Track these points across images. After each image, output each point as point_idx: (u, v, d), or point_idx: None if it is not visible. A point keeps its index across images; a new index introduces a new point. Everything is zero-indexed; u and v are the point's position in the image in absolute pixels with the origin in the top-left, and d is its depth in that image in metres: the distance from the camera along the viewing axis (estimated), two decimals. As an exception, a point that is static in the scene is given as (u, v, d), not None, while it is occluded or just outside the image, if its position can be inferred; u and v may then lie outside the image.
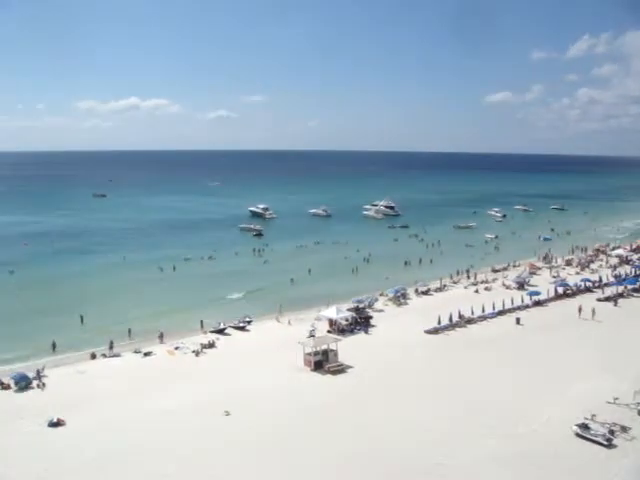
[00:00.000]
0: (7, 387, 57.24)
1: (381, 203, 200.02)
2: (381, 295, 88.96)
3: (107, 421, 48.68)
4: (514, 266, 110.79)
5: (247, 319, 77.46)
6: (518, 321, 75.13)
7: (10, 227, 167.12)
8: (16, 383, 57.22)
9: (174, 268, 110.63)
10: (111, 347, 68.04)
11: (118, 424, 47.98)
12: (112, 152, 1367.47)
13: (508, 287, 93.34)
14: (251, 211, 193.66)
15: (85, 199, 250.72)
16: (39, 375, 58.97)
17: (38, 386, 57.48)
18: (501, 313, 79.12)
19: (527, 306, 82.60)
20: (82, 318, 79.60)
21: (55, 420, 48.44)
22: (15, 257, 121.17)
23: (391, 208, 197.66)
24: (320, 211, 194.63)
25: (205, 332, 74.07)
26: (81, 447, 44.29)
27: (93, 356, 66.34)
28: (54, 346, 69.16)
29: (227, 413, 48.91)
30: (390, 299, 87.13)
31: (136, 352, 67.23)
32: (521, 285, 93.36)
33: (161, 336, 71.27)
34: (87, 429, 47.57)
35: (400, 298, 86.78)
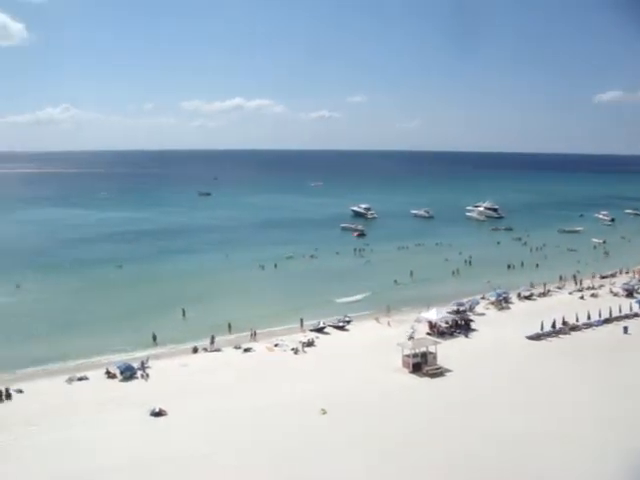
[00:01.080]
0: (113, 376, 59.33)
1: (484, 205, 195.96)
2: (482, 298, 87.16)
3: (206, 414, 49.69)
4: (624, 272, 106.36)
5: (347, 319, 77.37)
6: (626, 330, 71.74)
7: (119, 223, 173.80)
8: (121, 373, 59.26)
9: (275, 266, 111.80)
10: (212, 342, 69.39)
11: (216, 417, 48.97)
12: (217, 151, 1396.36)
13: (616, 294, 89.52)
14: (353, 211, 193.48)
15: (190, 197, 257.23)
16: (143, 366, 60.84)
17: (142, 377, 59.32)
18: (607, 321, 75.75)
19: (636, 315, 78.90)
20: (184, 312, 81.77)
21: (157, 410, 49.81)
22: (123, 253, 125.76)
23: (494, 210, 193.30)
24: (422, 212, 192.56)
25: (304, 330, 74.51)
26: (180, 437, 45.46)
27: (195, 350, 67.82)
28: (154, 338, 71.62)
29: (324, 412, 48.91)
30: (492, 303, 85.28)
31: (236, 348, 68.32)
32: (630, 293, 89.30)
33: (254, 334, 72.16)
34: (187, 420, 48.77)
35: (502, 302, 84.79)
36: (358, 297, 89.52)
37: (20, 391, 56.02)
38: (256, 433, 45.73)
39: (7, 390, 55.31)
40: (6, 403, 54.27)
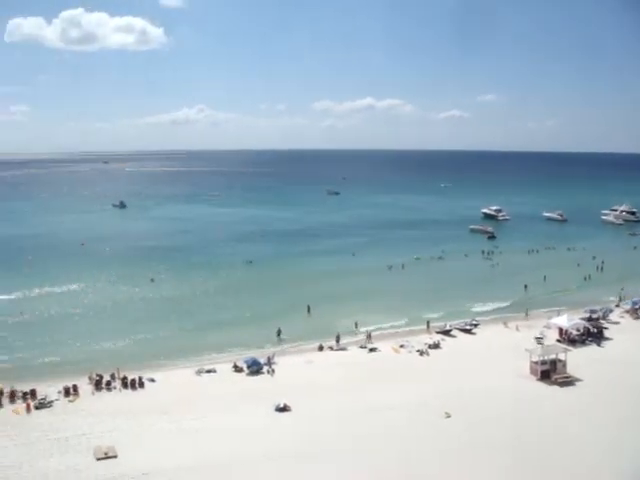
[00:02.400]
0: (240, 370, 61.07)
1: (621, 208, 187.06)
2: (617, 306, 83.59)
3: (330, 411, 50.25)
4: None
5: (474, 322, 76.22)
6: None
7: (248, 221, 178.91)
8: (248, 367, 60.91)
9: (403, 267, 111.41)
10: (338, 340, 70.00)
11: (340, 415, 49.38)
12: (346, 151, 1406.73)
13: None
14: (483, 213, 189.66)
15: (319, 196, 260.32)
16: (270, 362, 62.17)
17: (268, 372, 60.67)
18: None
19: None
20: (309, 309, 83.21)
21: (282, 405, 50.84)
22: (252, 249, 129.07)
23: (632, 214, 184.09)
24: (555, 215, 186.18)
25: (431, 332, 74.00)
26: (303, 434, 46.25)
27: (320, 348, 68.69)
28: (279, 333, 73.41)
29: (447, 415, 48.41)
30: (627, 311, 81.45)
31: (362, 347, 68.68)
32: None
33: (369, 336, 71.82)
34: (311, 417, 49.52)
35: (638, 311, 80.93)
36: (493, 306, 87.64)
37: (152, 380, 58.67)
38: (379, 433, 45.83)
39: (140, 379, 58.01)
40: (139, 391, 56.98)
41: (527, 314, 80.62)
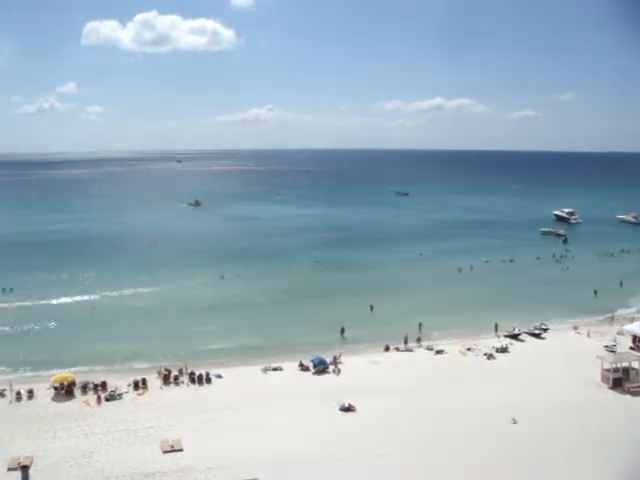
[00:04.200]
0: (306, 369, 61.35)
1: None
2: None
3: (395, 412, 50.06)
4: None
5: (543, 326, 74.79)
6: None
7: (317, 219, 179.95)
8: (314, 366, 61.17)
9: (471, 268, 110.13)
10: (406, 341, 69.60)
11: (404, 417, 49.19)
12: (417, 151, 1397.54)
13: None
14: (555, 215, 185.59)
15: (388, 197, 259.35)
16: (336, 361, 62.27)
17: (334, 371, 60.82)
18: None
19: None
20: (372, 307, 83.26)
21: (347, 405, 50.87)
22: (319, 247, 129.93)
23: None
24: (630, 217, 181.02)
25: (499, 336, 72.98)
26: (367, 435, 46.07)
27: (387, 348, 68.49)
28: (342, 331, 73.67)
29: (514, 421, 47.59)
30: None
31: (428, 349, 68.22)
32: None
33: (418, 340, 71.23)
34: (375, 418, 49.33)
35: None
36: (563, 311, 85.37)
37: (219, 376, 59.49)
38: (443, 437, 45.41)
39: (207, 375, 58.85)
40: (206, 387, 57.83)
41: (602, 320, 78.67)
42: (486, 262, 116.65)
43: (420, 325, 74.87)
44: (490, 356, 65.42)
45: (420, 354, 67.36)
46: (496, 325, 74.92)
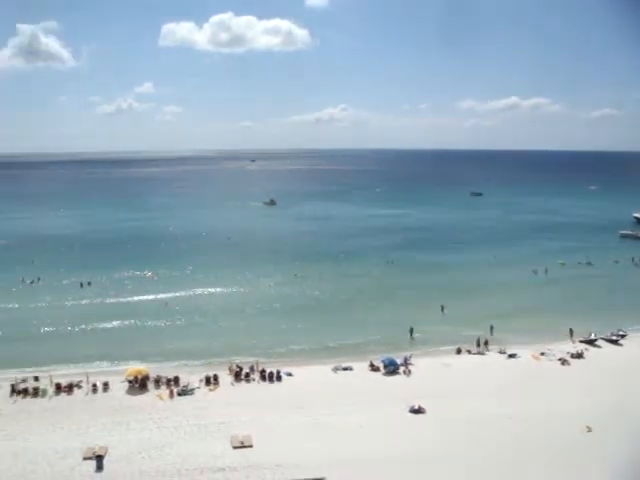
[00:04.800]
0: (376, 369, 61.11)
1: None
2: None
3: (465, 416, 49.39)
4: None
5: (621, 332, 72.67)
6: None
7: (392, 220, 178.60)
8: (385, 367, 60.87)
9: (546, 271, 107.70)
10: (478, 344, 68.63)
11: (474, 420, 48.55)
12: (490, 151, 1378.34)
13: None
14: (636, 217, 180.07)
15: (462, 197, 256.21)
16: (406, 362, 61.84)
17: (404, 373, 60.38)
18: None
19: None
20: (442, 308, 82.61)
21: (416, 407, 50.51)
22: (395, 248, 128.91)
23: None
24: None
25: (574, 341, 71.24)
26: (435, 438, 45.74)
27: (459, 351, 67.68)
28: (411, 332, 73.45)
29: (589, 429, 46.36)
30: None
31: (501, 352, 67.09)
32: None
33: (486, 343, 69.65)
34: (445, 420, 48.86)
35: None
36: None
37: (290, 374, 59.84)
38: (515, 442, 44.64)
39: (278, 372, 59.28)
40: (276, 384, 58.27)
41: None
42: (562, 265, 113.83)
43: (492, 328, 73.73)
44: (564, 361, 63.94)
45: (492, 357, 66.30)
46: (571, 330, 73.05)
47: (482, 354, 67.19)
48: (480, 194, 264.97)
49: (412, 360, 63.05)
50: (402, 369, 61.03)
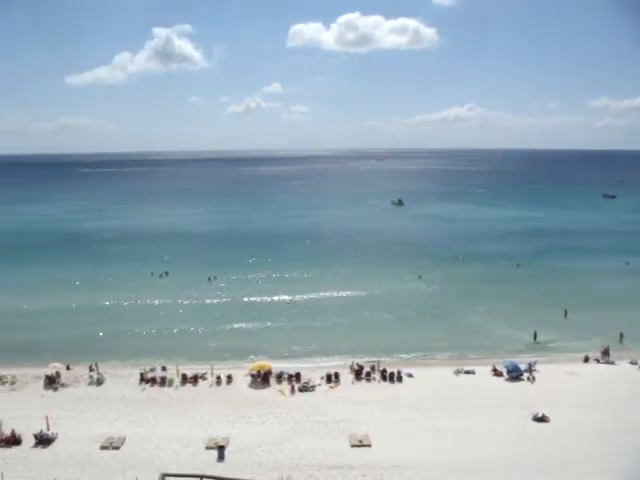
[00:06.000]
0: (499, 374, 60.05)
1: None
2: None
3: (591, 427, 47.56)
4: None
5: None
6: None
7: (519, 222, 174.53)
8: (508, 372, 59.56)
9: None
10: (606, 353, 65.87)
11: (601, 432, 46.49)
12: (625, 152, 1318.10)
13: None
14: None
15: (593, 199, 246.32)
16: (530, 368, 60.17)
17: (528, 379, 58.79)
18: None
19: None
20: (565, 313, 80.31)
21: (540, 415, 49.10)
22: (522, 251, 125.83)
23: None
24: None
25: None
26: (560, 447, 44.29)
27: (586, 359, 65.23)
28: (535, 336, 72.19)
29: None
30: None
31: (632, 363, 63.92)
32: None
33: (606, 352, 66.13)
34: (570, 430, 47.20)
35: None
36: None
37: (410, 375, 59.50)
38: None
39: (399, 373, 59.12)
40: (397, 385, 58.17)
41: None
42: None
43: (621, 335, 70.75)
44: None
45: (623, 368, 63.32)
46: None
47: (612, 364, 64.34)
48: (613, 196, 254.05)
49: (536, 366, 61.24)
50: (526, 375, 59.42)
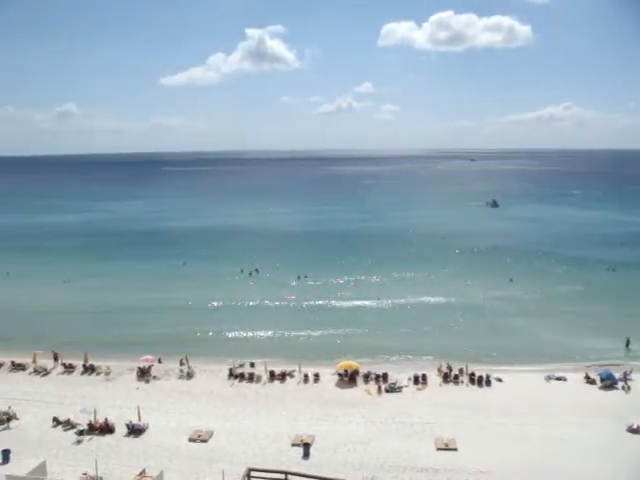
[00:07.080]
0: (592, 382, 57.96)
1: None
2: None
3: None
4: None
5: None
6: None
7: (614, 225, 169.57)
8: (601, 380, 57.54)
9: None
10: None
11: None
12: None
13: None
14: None
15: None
16: (626, 377, 57.99)
17: (623, 388, 56.68)
18: None
19: None
20: None
21: (635, 427, 47.25)
22: (616, 255, 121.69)
23: None
24: None
25: None
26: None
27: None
28: (628, 343, 69.73)
29: None
30: None
31: None
32: None
33: None
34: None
35: None
36: None
37: (499, 380, 58.43)
38: None
39: (488, 377, 58.19)
40: (485, 389, 57.17)
41: None
42: None
43: None
44: None
45: None
46: None
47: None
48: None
49: (632, 375, 58.98)
50: (621, 384, 57.29)
